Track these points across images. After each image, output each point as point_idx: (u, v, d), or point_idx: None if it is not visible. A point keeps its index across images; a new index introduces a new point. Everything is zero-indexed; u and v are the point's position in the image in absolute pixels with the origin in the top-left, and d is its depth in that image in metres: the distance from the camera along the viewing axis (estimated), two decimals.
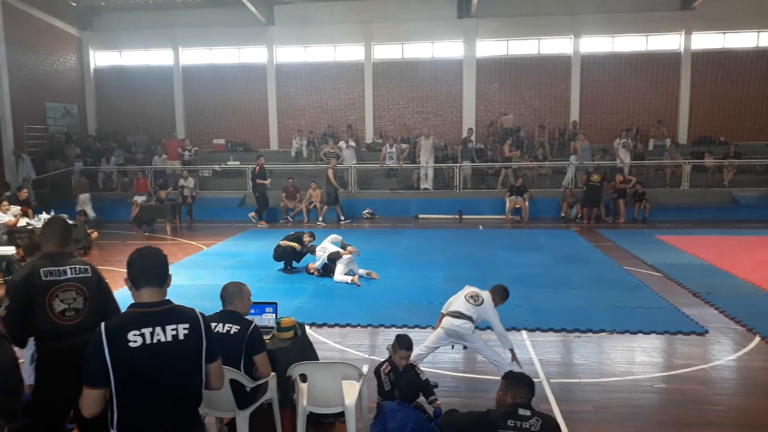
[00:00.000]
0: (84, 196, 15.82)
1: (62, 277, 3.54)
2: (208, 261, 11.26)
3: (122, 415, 2.55)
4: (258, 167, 16.30)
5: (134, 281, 2.66)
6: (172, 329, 2.59)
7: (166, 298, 2.72)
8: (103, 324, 2.59)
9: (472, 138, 18.53)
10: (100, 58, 21.48)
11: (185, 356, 2.62)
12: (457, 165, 17.68)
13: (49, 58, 19.56)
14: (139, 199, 16.29)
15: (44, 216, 11.94)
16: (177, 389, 2.62)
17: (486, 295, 5.58)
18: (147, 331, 2.56)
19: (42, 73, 19.18)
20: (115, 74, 21.20)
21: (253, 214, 16.28)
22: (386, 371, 4.64)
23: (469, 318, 5.37)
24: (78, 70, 21.03)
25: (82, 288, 3.60)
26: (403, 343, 4.65)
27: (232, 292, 4.27)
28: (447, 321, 5.42)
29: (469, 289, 5.62)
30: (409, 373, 4.58)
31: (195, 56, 20.96)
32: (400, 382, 4.41)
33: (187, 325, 2.63)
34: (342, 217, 16.33)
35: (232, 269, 10.42)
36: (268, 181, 16.35)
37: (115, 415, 2.55)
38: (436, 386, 4.87)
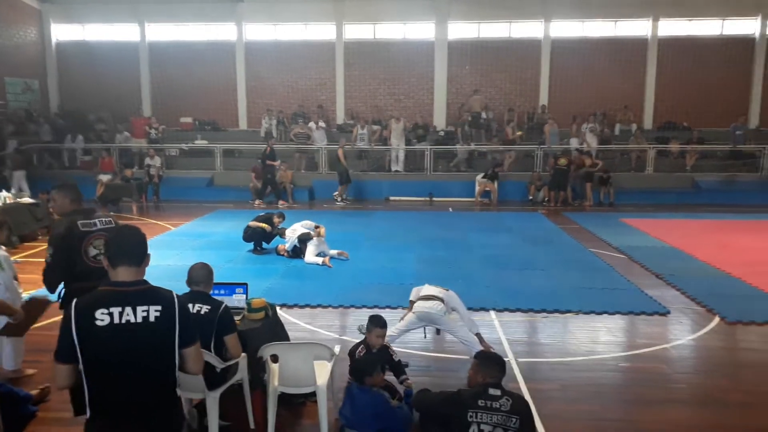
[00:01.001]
0: (19, 173, 15.50)
1: (94, 228, 4.22)
2: (176, 241, 11.10)
3: (93, 395, 2.52)
4: (269, 148, 16.10)
5: (111, 259, 2.59)
6: (143, 310, 2.52)
7: (143, 278, 2.66)
8: (74, 300, 2.55)
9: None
10: (62, 32, 20.78)
11: (155, 339, 2.54)
12: (428, 147, 17.70)
13: (8, 31, 18.86)
14: (104, 177, 15.90)
15: (4, 194, 11.61)
16: (146, 371, 2.55)
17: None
18: (116, 310, 2.49)
19: (0, 46, 18.48)
20: (79, 49, 20.55)
21: (258, 202, 16.08)
22: (361, 353, 4.63)
23: (441, 300, 5.41)
24: (39, 43, 20.33)
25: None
26: (378, 322, 4.66)
27: (201, 275, 4.23)
28: (419, 305, 5.45)
29: (430, 290, 5.64)
30: (384, 354, 4.61)
31: (162, 32, 20.45)
32: (370, 364, 4.43)
33: (159, 307, 2.55)
34: (344, 195, 16.30)
35: (201, 250, 10.29)
36: (278, 163, 16.26)
37: (86, 394, 2.52)
38: (406, 365, 4.91)
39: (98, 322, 2.46)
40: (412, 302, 5.59)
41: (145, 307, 2.52)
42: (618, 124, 19.14)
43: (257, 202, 16.02)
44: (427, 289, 5.59)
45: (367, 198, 16.58)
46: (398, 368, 4.72)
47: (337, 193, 16.25)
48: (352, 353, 4.70)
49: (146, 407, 2.57)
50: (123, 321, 2.48)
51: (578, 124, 18.05)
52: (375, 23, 19.94)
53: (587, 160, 16.36)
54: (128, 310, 2.50)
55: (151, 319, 2.52)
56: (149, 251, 2.70)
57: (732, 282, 8.53)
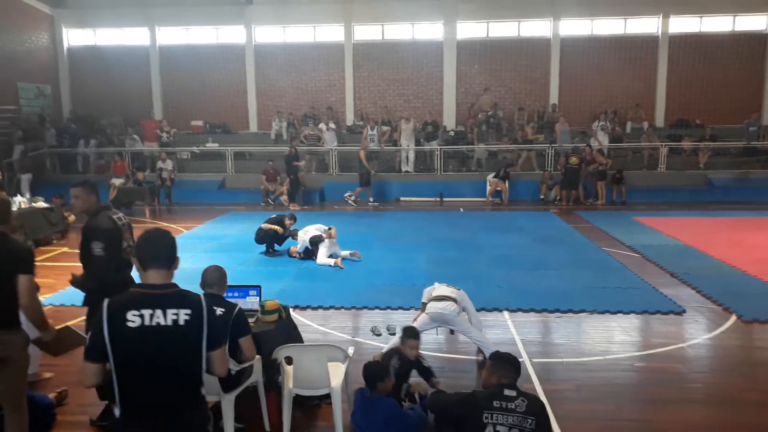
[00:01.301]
0: (26, 177, 15.71)
1: (122, 222, 4.45)
2: (189, 244, 11.15)
3: (123, 394, 2.57)
4: (293, 150, 16.18)
5: (142, 262, 2.67)
6: (173, 313, 2.57)
7: (173, 281, 2.71)
8: (106, 300, 2.61)
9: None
10: (74, 37, 20.95)
11: (184, 341, 2.59)
12: (438, 147, 17.68)
13: (21, 37, 19.04)
14: (117, 181, 16.04)
15: (19, 199, 11.72)
16: (174, 373, 2.61)
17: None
18: (147, 312, 2.55)
19: (13, 51, 18.66)
20: (90, 54, 20.71)
21: (291, 205, 16.08)
22: (396, 366, 4.58)
23: (454, 300, 5.40)
24: (51, 49, 20.50)
25: (131, 229, 4.55)
26: (411, 333, 4.69)
27: (215, 278, 4.25)
28: (432, 305, 5.42)
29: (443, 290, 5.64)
30: (419, 364, 4.64)
31: (172, 36, 20.56)
32: (404, 374, 4.56)
33: (188, 311, 2.60)
34: (371, 198, 16.30)
35: (213, 252, 10.34)
36: (302, 163, 16.47)
37: (116, 391, 2.57)
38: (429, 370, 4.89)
39: (129, 323, 2.52)
40: (425, 303, 5.58)
41: (174, 311, 2.58)
42: (629, 123, 19.02)
43: (292, 205, 15.98)
44: (440, 290, 5.59)
45: (377, 198, 16.55)
46: (427, 373, 4.75)
47: (349, 194, 16.26)
48: (387, 362, 4.64)
49: (174, 408, 2.63)
50: (153, 323, 2.54)
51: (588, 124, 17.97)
52: (383, 24, 19.94)
53: (599, 157, 16.24)
54: (158, 312, 2.56)
55: (181, 322, 2.58)
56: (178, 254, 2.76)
57: (748, 280, 8.45)
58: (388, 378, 4.25)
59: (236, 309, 4.06)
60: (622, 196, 15.97)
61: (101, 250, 4.20)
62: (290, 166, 16.11)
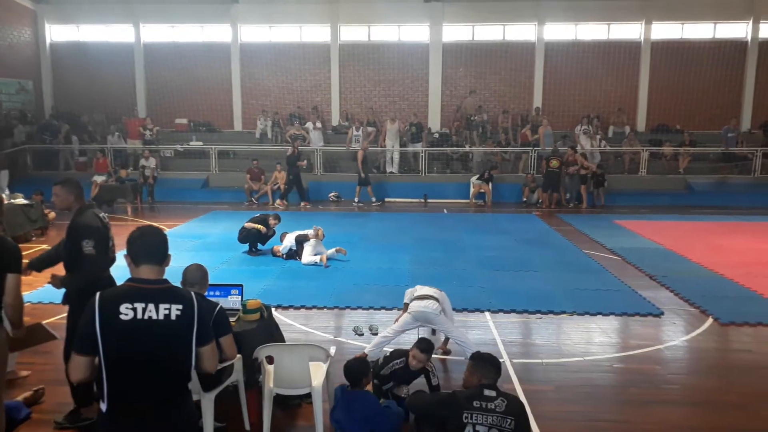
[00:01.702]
0: (3, 173, 15.60)
1: (106, 220, 4.46)
2: (172, 243, 10.77)
3: (111, 388, 2.57)
4: (295, 150, 16.09)
5: (134, 258, 2.68)
6: (165, 308, 2.59)
7: (164, 277, 2.73)
8: (98, 293, 2.61)
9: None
10: (57, 33, 20.69)
11: (175, 336, 2.61)
12: (423, 149, 17.74)
13: (2, 31, 18.74)
14: (99, 179, 15.88)
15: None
16: (165, 367, 2.62)
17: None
18: (140, 306, 2.56)
19: None
20: (73, 50, 20.47)
21: (279, 201, 16.10)
22: (399, 366, 4.62)
23: (436, 299, 5.42)
24: (33, 44, 20.23)
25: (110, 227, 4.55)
26: (419, 344, 4.61)
27: (196, 277, 4.24)
28: (414, 305, 5.42)
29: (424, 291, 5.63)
30: (428, 377, 4.61)
31: (157, 33, 20.39)
32: (401, 377, 4.57)
33: (180, 306, 2.62)
34: (373, 198, 16.34)
35: (196, 251, 10.28)
36: (304, 163, 16.47)
37: (105, 385, 2.57)
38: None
39: (122, 316, 2.54)
40: (407, 304, 5.59)
41: (167, 305, 2.60)
42: (612, 127, 19.23)
43: (278, 202, 16.01)
44: (422, 290, 5.60)
45: (362, 199, 16.54)
46: (432, 389, 4.64)
47: (333, 194, 16.28)
48: (388, 358, 4.69)
49: (162, 402, 2.63)
50: (145, 317, 2.56)
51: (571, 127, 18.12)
52: (370, 25, 19.96)
53: (581, 160, 16.27)
54: (151, 306, 2.58)
55: (172, 317, 2.59)
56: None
57: (725, 283, 8.59)
58: (370, 374, 4.29)
59: (217, 308, 4.04)
60: (601, 200, 16.09)
61: (92, 248, 4.19)
62: (292, 165, 16.01)
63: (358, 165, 16.17)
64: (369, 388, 4.37)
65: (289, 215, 13.84)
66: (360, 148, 16.37)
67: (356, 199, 16.38)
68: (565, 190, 16.30)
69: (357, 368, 4.25)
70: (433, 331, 5.86)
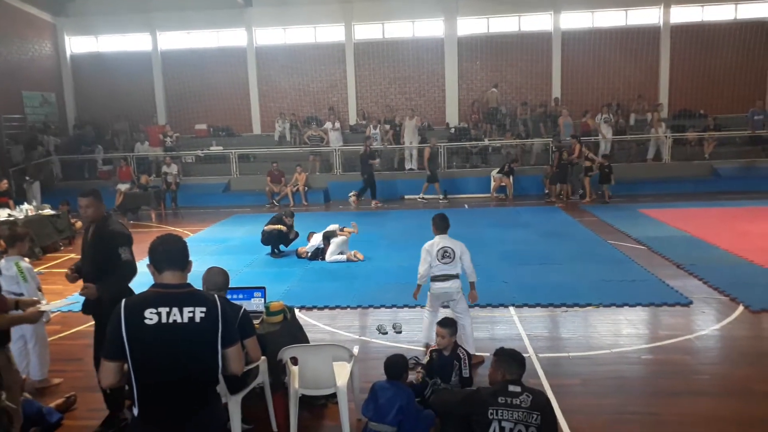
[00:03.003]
0: (36, 185, 16.03)
1: None
2: (195, 247, 11.03)
3: (141, 390, 2.61)
4: (368, 148, 16.17)
5: (156, 266, 2.72)
6: (189, 311, 2.63)
7: (187, 282, 2.77)
8: (123, 300, 2.67)
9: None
10: (77, 45, 21.05)
11: (200, 339, 2.64)
12: (442, 144, 17.65)
13: (24, 46, 19.13)
14: (123, 186, 16.12)
15: (26, 207, 11.79)
16: (192, 370, 2.65)
17: (449, 242, 5.78)
18: (164, 310, 2.60)
19: (17, 61, 18.76)
20: (93, 61, 20.80)
21: (354, 193, 16.15)
22: (435, 359, 4.71)
23: (456, 276, 5.64)
24: (54, 57, 20.60)
25: None
26: (441, 321, 4.77)
27: (217, 281, 4.25)
28: (436, 286, 5.69)
29: (435, 251, 5.70)
30: (452, 358, 4.61)
31: (173, 41, 20.62)
32: (437, 365, 4.60)
33: (204, 309, 2.66)
34: (441, 195, 16.31)
35: (219, 255, 10.37)
36: (377, 161, 16.55)
37: (134, 390, 2.61)
38: (470, 359, 4.83)
39: (147, 321, 2.58)
40: (419, 285, 5.84)
41: (191, 308, 2.64)
42: (633, 114, 18.93)
43: (352, 199, 16.05)
44: (438, 268, 5.67)
45: (381, 197, 16.54)
46: (466, 383, 4.59)
47: (352, 193, 16.28)
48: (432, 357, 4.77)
49: (192, 405, 2.67)
50: (170, 321, 2.60)
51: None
52: (384, 22, 19.93)
53: (580, 150, 15.75)
54: (175, 310, 2.62)
55: (197, 320, 2.63)
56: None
57: (755, 270, 8.41)
58: (409, 371, 4.34)
59: (241, 310, 4.07)
60: (605, 197, 15.25)
61: (129, 254, 4.30)
62: (365, 164, 16.05)
63: (425, 162, 16.11)
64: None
65: (309, 216, 13.90)
66: (428, 145, 16.30)
67: (420, 195, 16.29)
68: (572, 182, 15.96)
69: (397, 363, 4.25)
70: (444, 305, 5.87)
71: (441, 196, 16.23)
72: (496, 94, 19.20)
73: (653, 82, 19.42)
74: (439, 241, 5.77)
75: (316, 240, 9.95)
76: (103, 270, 4.32)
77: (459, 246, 5.72)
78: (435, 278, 5.69)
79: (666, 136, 17.27)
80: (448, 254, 5.66)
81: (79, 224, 12.43)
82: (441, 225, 5.87)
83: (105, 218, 4.45)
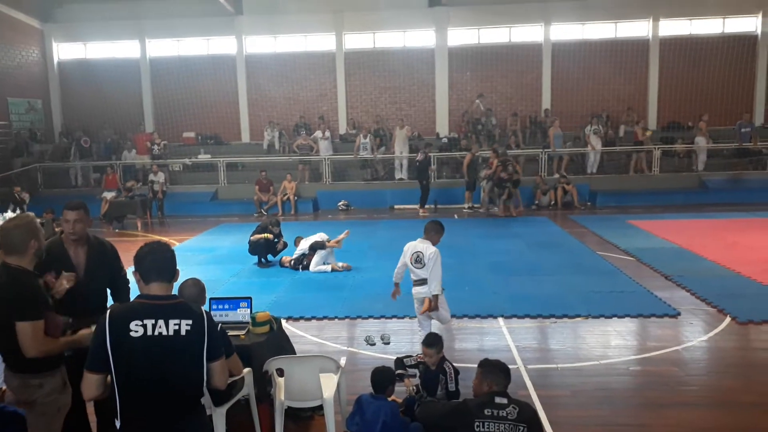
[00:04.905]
0: (25, 195, 15.77)
1: None
2: (181, 257, 10.88)
3: (123, 404, 2.57)
4: (426, 155, 16.03)
5: (144, 276, 2.68)
6: (175, 323, 2.59)
7: (174, 293, 2.74)
8: (108, 311, 2.62)
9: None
10: (64, 51, 20.90)
11: (185, 351, 2.61)
12: (432, 154, 17.62)
13: (11, 52, 18.97)
14: (108, 195, 15.97)
15: (8, 214, 11.64)
16: (176, 383, 2.61)
17: (423, 246, 5.81)
18: (149, 322, 2.57)
19: (3, 67, 18.58)
20: (80, 67, 20.64)
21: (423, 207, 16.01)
22: (417, 360, 4.72)
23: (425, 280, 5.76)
24: (41, 63, 20.44)
25: None
26: (424, 340, 4.69)
27: (193, 293, 4.13)
28: (413, 290, 5.93)
29: (409, 254, 5.85)
30: (438, 372, 4.54)
31: (162, 48, 20.53)
32: (423, 380, 4.56)
33: (190, 321, 2.62)
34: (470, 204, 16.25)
35: (206, 264, 10.27)
36: (434, 168, 16.47)
37: (117, 402, 2.57)
38: (458, 373, 4.72)
39: (132, 333, 2.54)
40: (397, 284, 6.15)
41: (176, 321, 2.60)
42: (623, 126, 19.01)
43: (422, 210, 15.92)
44: (415, 273, 5.82)
45: (371, 207, 16.52)
46: (452, 396, 4.50)
47: (342, 202, 16.24)
48: (399, 361, 4.73)
49: (176, 417, 2.63)
50: (155, 333, 2.56)
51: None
52: (374, 32, 19.96)
53: (494, 163, 15.39)
54: (161, 322, 2.58)
55: (182, 332, 2.59)
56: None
57: (742, 281, 8.43)
58: (395, 383, 4.28)
59: (218, 326, 3.99)
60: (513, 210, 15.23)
61: (126, 272, 4.15)
62: (422, 171, 15.94)
63: (464, 168, 16.07)
64: (393, 398, 4.31)
65: (298, 225, 13.82)
66: (469, 152, 16.23)
67: (467, 205, 16.21)
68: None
69: (382, 375, 4.20)
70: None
71: (468, 206, 16.15)
72: (479, 104, 19.23)
73: (642, 94, 19.58)
74: (415, 245, 5.87)
75: (304, 245, 9.86)
76: (115, 288, 4.14)
77: (430, 251, 5.74)
78: (414, 283, 5.86)
79: (655, 148, 17.38)
80: (419, 259, 5.77)
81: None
82: (427, 229, 5.92)
83: (89, 234, 4.06)
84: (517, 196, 15.51)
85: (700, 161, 17.47)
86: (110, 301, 4.13)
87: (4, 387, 4.99)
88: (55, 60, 20.75)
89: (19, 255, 3.23)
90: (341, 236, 9.91)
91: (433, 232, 5.87)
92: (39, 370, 3.25)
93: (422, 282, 5.78)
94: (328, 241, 9.78)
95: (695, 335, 6.53)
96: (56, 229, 12.09)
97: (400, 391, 4.60)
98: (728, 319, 6.91)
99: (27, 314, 3.12)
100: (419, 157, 15.96)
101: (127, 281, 4.17)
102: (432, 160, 16.41)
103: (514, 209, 15.22)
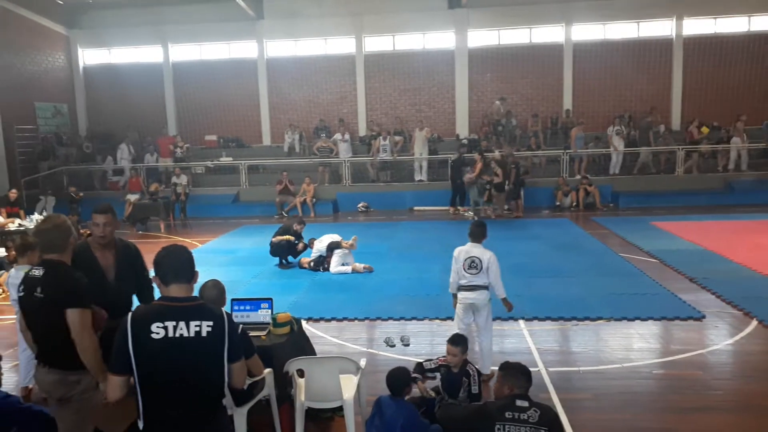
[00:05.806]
0: (50, 199, 16.37)
1: None
2: (203, 258, 11.16)
3: (146, 405, 2.61)
4: (459, 154, 16.12)
5: (163, 278, 2.71)
6: (196, 325, 2.61)
7: (194, 294, 2.77)
8: (130, 313, 2.66)
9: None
10: (89, 56, 21.28)
11: (206, 353, 2.63)
12: (451, 155, 17.59)
13: (38, 57, 19.37)
14: (132, 197, 16.19)
15: (36, 216, 11.87)
16: (198, 384, 2.63)
17: (478, 251, 5.60)
18: (170, 324, 2.59)
19: (31, 72, 19.00)
20: (105, 72, 21.01)
21: (459, 208, 16.13)
22: (435, 364, 4.64)
23: (484, 287, 5.51)
24: (67, 68, 20.84)
25: None
26: (450, 339, 4.60)
27: (213, 295, 4.12)
28: (463, 296, 5.56)
29: (462, 260, 5.57)
30: (461, 375, 4.49)
31: (185, 52, 20.79)
32: (445, 382, 4.51)
33: (211, 323, 2.64)
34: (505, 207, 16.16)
35: (228, 266, 10.36)
36: (469, 168, 16.31)
37: (140, 404, 2.61)
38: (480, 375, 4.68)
39: (153, 335, 2.57)
40: (455, 294, 5.67)
41: (197, 322, 2.62)
42: (662, 126, 18.68)
43: (462, 209, 16.05)
44: (467, 279, 5.54)
45: (390, 209, 16.52)
46: (475, 399, 4.44)
47: (361, 204, 16.25)
48: (419, 366, 4.66)
49: (198, 418, 2.65)
50: (177, 335, 2.58)
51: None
52: (394, 35, 19.98)
53: (478, 167, 15.46)
54: (182, 324, 2.60)
55: (203, 334, 2.61)
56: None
57: None
58: (411, 384, 4.25)
59: (239, 328, 4.02)
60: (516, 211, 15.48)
61: (149, 272, 4.05)
62: (458, 170, 15.95)
63: (473, 177, 15.91)
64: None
65: (318, 227, 13.87)
66: (501, 152, 16.21)
67: (506, 207, 16.12)
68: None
69: (399, 377, 4.17)
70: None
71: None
72: (499, 106, 19.13)
73: (666, 94, 19.29)
74: (468, 250, 5.63)
75: (319, 246, 9.91)
76: (140, 290, 4.15)
77: (487, 256, 5.56)
78: (462, 288, 5.56)
79: (679, 149, 17.13)
80: (474, 264, 5.52)
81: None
82: (474, 232, 5.71)
83: (115, 236, 4.12)
84: (518, 198, 15.56)
85: (743, 162, 17.20)
86: (135, 302, 4.19)
87: (31, 386, 5.11)
88: (81, 65, 21.13)
89: (59, 252, 3.40)
90: (351, 240, 9.90)
91: (482, 235, 5.71)
92: (78, 367, 3.33)
93: (473, 288, 5.50)
94: (342, 241, 9.82)
95: (720, 338, 6.42)
96: (81, 231, 12.33)
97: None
98: (755, 322, 6.79)
99: (79, 302, 3.28)
100: (454, 156, 15.93)
101: (151, 282, 4.20)
102: (464, 160, 16.30)
103: (515, 211, 15.28)
